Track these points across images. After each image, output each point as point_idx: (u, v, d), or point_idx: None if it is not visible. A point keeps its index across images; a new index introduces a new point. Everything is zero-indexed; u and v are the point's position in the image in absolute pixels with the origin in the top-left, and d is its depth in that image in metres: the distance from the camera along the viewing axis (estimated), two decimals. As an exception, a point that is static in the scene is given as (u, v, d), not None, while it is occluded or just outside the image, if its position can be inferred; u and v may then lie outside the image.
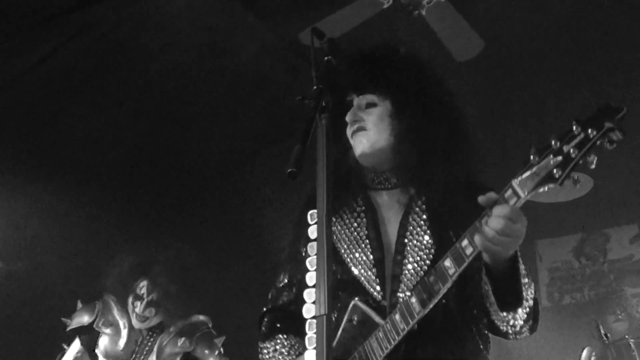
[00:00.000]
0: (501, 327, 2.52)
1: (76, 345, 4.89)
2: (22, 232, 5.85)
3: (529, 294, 2.44)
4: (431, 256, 2.58)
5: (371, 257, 2.67)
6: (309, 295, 2.44)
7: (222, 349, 4.90)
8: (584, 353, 5.56)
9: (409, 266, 2.60)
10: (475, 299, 2.53)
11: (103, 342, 4.88)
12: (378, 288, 2.61)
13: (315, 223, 2.21)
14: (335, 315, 2.66)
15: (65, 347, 4.92)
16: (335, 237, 2.74)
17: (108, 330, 4.89)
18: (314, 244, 2.32)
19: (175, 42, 5.32)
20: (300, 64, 5.31)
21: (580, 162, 2.11)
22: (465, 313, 2.59)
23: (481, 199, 2.29)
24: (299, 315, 2.64)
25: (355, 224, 2.74)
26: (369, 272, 2.65)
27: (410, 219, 2.67)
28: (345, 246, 2.72)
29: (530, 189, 2.20)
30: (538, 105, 6.00)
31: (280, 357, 2.81)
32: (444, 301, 2.47)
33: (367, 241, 2.70)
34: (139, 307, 4.81)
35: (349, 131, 2.78)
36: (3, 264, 5.10)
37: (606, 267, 7.59)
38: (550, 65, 5.72)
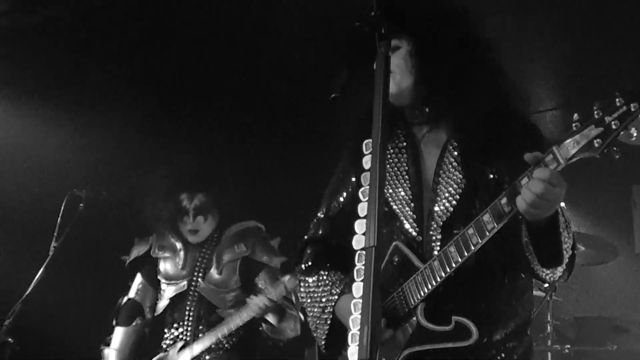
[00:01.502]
0: (540, 274, 2.55)
1: (138, 279, 5.06)
2: (110, 160, 5.97)
3: (568, 248, 2.50)
4: (460, 191, 2.63)
5: (410, 192, 2.72)
6: (359, 226, 2.41)
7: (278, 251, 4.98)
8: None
9: (440, 203, 2.65)
10: (514, 249, 2.54)
11: (163, 266, 5.00)
12: (415, 224, 2.68)
13: (370, 153, 2.16)
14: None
15: (130, 284, 5.08)
16: None
17: (166, 254, 5.00)
18: (367, 174, 2.30)
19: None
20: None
21: (621, 133, 2.18)
22: (502, 262, 2.62)
23: (527, 156, 2.33)
24: (341, 249, 2.78)
25: (397, 159, 2.79)
26: (407, 208, 2.71)
27: (445, 157, 2.70)
28: (386, 181, 2.75)
29: (569, 156, 2.26)
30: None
31: (322, 292, 2.84)
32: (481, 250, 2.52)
33: (407, 177, 2.75)
34: (189, 220, 4.89)
35: None
36: (89, 192, 5.18)
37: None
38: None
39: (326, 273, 2.88)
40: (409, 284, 2.61)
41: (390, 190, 2.74)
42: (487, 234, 2.43)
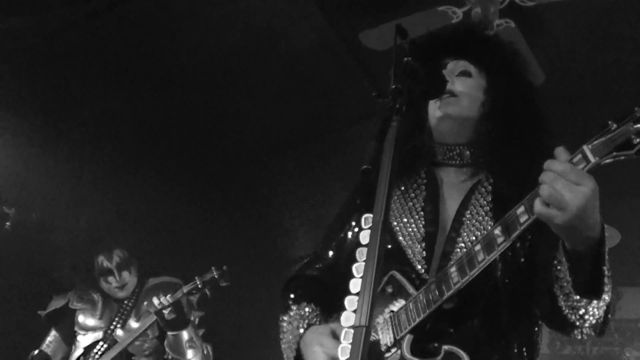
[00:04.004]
0: (569, 317, 2.20)
1: (51, 333, 5.05)
2: (41, 184, 5.74)
3: (608, 289, 2.14)
4: None
5: (423, 230, 2.53)
6: (350, 302, 2.30)
7: (195, 305, 5.05)
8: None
9: (462, 244, 2.45)
10: (537, 284, 2.34)
11: (81, 317, 5.00)
12: (424, 262, 2.47)
13: (369, 228, 2.06)
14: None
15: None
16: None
17: (84, 306, 5.03)
18: (364, 249, 2.20)
19: (232, 20, 5.18)
20: (353, 65, 5.17)
21: None
22: (517, 300, 2.42)
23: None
24: (327, 284, 2.69)
25: (413, 195, 2.61)
26: (417, 245, 2.51)
27: (473, 199, 2.53)
28: (397, 215, 2.58)
29: (602, 155, 2.02)
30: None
31: (291, 330, 2.59)
32: (493, 281, 2.36)
33: (422, 213, 2.56)
34: (114, 279, 4.97)
35: None
36: (16, 211, 5.02)
37: (612, 325, 7.45)
38: (610, 109, 5.55)
39: (295, 307, 2.64)
40: (398, 312, 2.40)
41: (401, 224, 2.56)
42: (496, 248, 2.21)
